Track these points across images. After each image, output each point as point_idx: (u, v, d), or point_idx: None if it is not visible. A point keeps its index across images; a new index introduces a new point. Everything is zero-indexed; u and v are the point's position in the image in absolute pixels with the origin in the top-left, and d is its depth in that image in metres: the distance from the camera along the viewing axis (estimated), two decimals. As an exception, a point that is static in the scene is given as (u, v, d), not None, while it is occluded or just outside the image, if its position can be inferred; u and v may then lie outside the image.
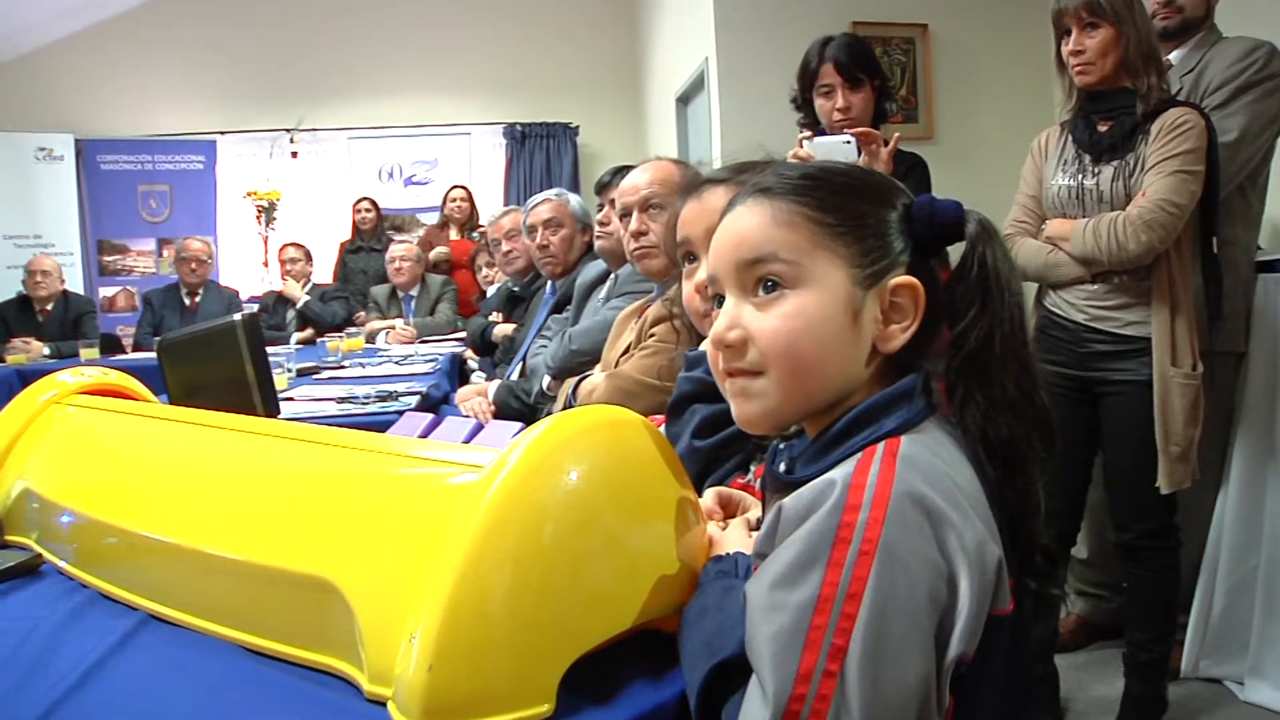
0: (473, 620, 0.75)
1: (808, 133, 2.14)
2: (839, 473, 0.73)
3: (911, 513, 0.69)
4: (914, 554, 0.68)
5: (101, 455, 1.34)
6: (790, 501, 0.73)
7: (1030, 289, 2.39)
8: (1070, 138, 2.24)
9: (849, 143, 2.00)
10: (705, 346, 1.26)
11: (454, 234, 6.35)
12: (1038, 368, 0.82)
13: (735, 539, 0.92)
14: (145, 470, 1.25)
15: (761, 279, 0.81)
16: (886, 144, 2.06)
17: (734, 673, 0.73)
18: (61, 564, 1.21)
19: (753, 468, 1.15)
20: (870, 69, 2.32)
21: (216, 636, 0.96)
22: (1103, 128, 2.16)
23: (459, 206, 6.39)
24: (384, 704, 0.78)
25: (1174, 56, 2.43)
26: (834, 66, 2.29)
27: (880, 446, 0.74)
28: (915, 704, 0.66)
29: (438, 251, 6.10)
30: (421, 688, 0.73)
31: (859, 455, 0.74)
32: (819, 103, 2.34)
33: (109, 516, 1.16)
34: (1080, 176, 2.18)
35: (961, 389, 0.80)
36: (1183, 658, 2.48)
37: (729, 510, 1.05)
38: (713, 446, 1.24)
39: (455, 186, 6.55)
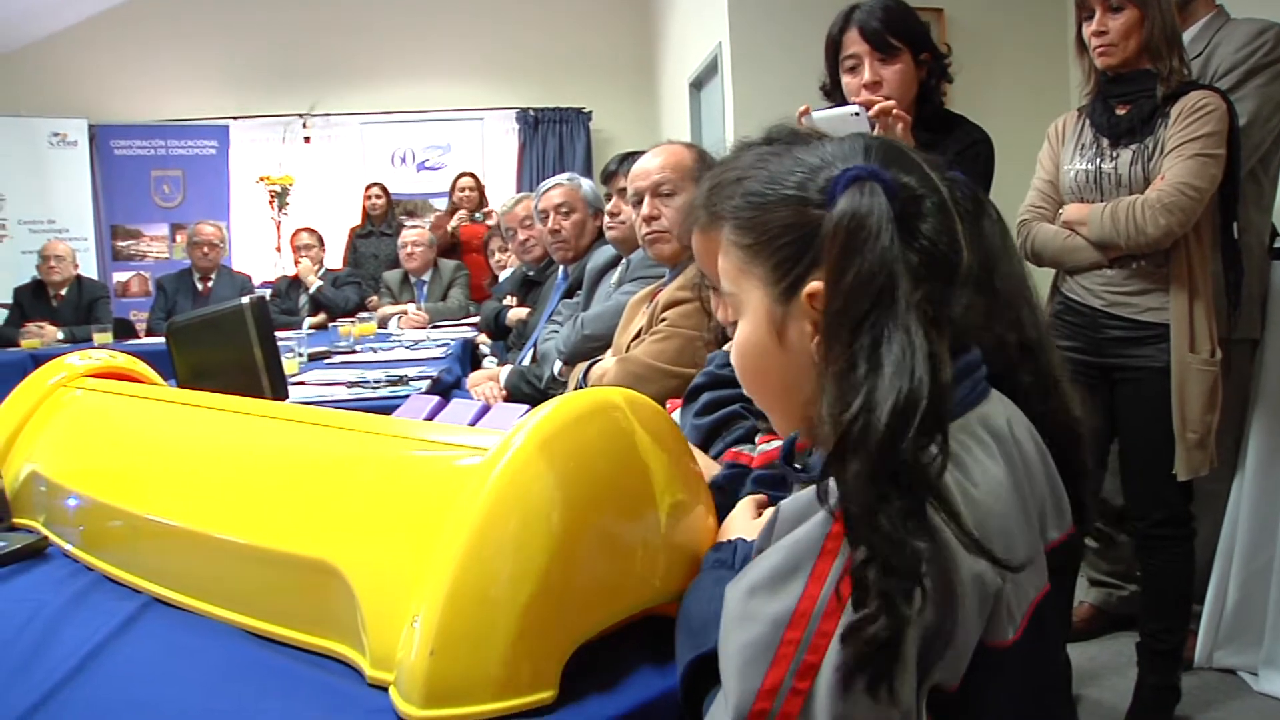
0: (475, 605, 0.74)
1: (804, 106, 1.79)
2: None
3: None
4: None
5: (108, 438, 1.34)
6: (788, 504, 0.71)
7: (1047, 275, 2.36)
8: (1088, 122, 2.21)
9: (857, 114, 1.69)
10: (729, 347, 1.28)
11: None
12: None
13: (739, 523, 0.90)
14: (150, 453, 1.25)
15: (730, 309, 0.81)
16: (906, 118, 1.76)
17: (716, 667, 0.70)
18: (67, 547, 1.21)
19: (757, 439, 1.14)
20: (911, 37, 1.91)
21: (219, 620, 0.96)
22: (1121, 111, 2.13)
23: (467, 196, 6.36)
24: (386, 689, 0.77)
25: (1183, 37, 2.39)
26: (859, 33, 1.90)
27: None
28: None
29: (458, 217, 6.10)
30: (423, 673, 0.73)
31: None
32: (845, 80, 1.95)
33: (114, 499, 1.15)
34: (1098, 160, 2.15)
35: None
36: (1196, 647, 2.46)
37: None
38: (709, 424, 1.26)
39: (463, 174, 6.51)
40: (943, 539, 0.64)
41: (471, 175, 6.52)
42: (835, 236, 0.68)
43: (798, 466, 0.82)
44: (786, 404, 0.78)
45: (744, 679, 0.64)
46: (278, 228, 7.36)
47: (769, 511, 0.89)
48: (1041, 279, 2.26)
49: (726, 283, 0.78)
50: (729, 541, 0.86)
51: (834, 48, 1.98)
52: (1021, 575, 0.69)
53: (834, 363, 0.66)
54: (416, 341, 4.21)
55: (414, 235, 5.58)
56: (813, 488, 0.69)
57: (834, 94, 2.02)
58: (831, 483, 0.65)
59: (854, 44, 1.92)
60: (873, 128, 1.72)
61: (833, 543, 0.64)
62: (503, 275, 4.93)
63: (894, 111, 1.72)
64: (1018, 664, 0.70)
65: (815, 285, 0.72)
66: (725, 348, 1.32)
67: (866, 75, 1.90)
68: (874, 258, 0.66)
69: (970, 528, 0.63)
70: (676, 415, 1.37)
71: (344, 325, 4.56)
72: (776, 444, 1.09)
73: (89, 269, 6.60)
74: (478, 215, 6.10)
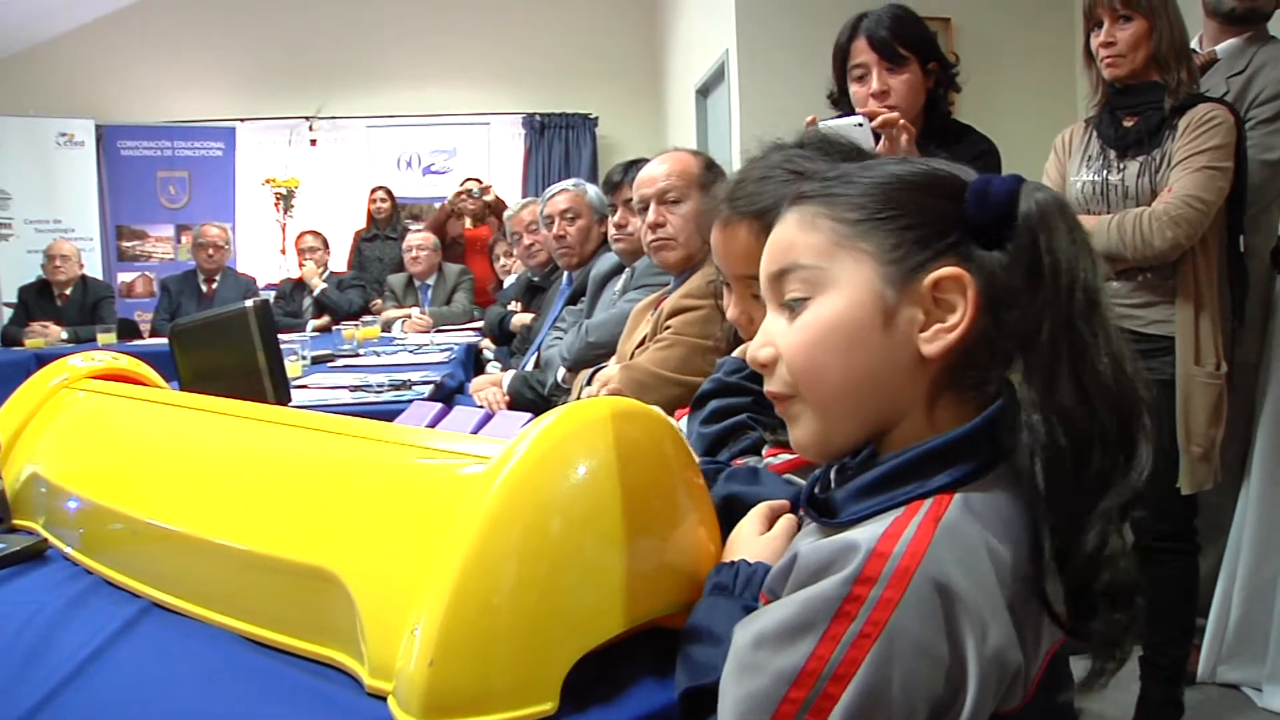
0: (476, 614, 0.73)
1: (811, 117, 1.75)
2: (866, 533, 0.64)
3: (930, 602, 0.61)
4: (920, 650, 0.60)
5: (108, 440, 1.33)
6: (809, 552, 0.66)
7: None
8: (1095, 133, 2.21)
9: (860, 125, 1.68)
10: (739, 353, 1.27)
11: (468, 224, 6.35)
12: (1104, 370, 0.73)
13: (744, 539, 0.88)
14: (151, 456, 1.25)
15: (790, 291, 0.73)
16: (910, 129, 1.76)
17: (710, 698, 0.68)
18: (67, 549, 1.21)
19: (764, 452, 1.13)
20: (919, 46, 1.90)
21: (218, 626, 0.95)
22: (1129, 123, 2.13)
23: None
24: (384, 698, 0.77)
25: (1220, 49, 2.38)
26: (868, 42, 1.89)
27: (924, 506, 0.65)
28: None
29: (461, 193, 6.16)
30: (422, 683, 0.72)
31: (899, 512, 0.65)
32: (853, 90, 1.94)
33: (114, 502, 1.15)
34: (1105, 172, 2.15)
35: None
36: (1200, 662, 2.45)
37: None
38: (716, 432, 1.24)
39: (468, 179, 6.53)
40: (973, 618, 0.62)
41: (476, 180, 6.53)
42: (1044, 222, 0.68)
43: (820, 492, 0.77)
44: (845, 399, 0.71)
45: None
46: (283, 230, 7.39)
47: (779, 525, 0.88)
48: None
49: (809, 257, 0.72)
50: (730, 563, 0.84)
51: (842, 56, 1.96)
52: (1042, 633, 0.67)
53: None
54: (420, 346, 4.21)
55: (419, 239, 5.59)
56: (837, 537, 0.66)
57: (841, 103, 2.00)
58: (868, 527, 0.65)
59: (862, 53, 1.90)
60: (877, 139, 1.71)
61: (851, 605, 0.61)
62: (507, 280, 4.94)
63: (899, 123, 1.70)
64: None
65: (946, 271, 0.69)
66: (737, 352, 1.30)
67: (874, 84, 1.88)
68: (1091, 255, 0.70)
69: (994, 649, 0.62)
70: (682, 424, 1.36)
71: (348, 328, 4.56)
72: (784, 458, 1.07)
73: (94, 269, 6.62)
74: (475, 191, 6.10)
